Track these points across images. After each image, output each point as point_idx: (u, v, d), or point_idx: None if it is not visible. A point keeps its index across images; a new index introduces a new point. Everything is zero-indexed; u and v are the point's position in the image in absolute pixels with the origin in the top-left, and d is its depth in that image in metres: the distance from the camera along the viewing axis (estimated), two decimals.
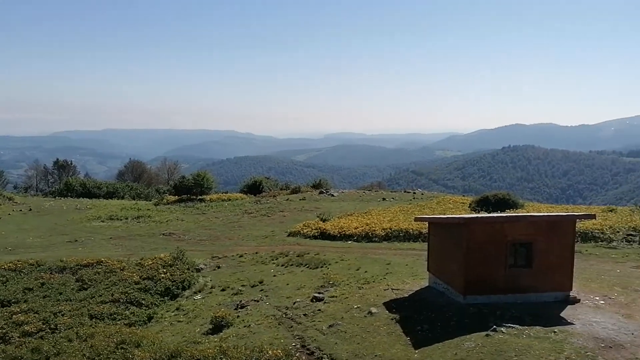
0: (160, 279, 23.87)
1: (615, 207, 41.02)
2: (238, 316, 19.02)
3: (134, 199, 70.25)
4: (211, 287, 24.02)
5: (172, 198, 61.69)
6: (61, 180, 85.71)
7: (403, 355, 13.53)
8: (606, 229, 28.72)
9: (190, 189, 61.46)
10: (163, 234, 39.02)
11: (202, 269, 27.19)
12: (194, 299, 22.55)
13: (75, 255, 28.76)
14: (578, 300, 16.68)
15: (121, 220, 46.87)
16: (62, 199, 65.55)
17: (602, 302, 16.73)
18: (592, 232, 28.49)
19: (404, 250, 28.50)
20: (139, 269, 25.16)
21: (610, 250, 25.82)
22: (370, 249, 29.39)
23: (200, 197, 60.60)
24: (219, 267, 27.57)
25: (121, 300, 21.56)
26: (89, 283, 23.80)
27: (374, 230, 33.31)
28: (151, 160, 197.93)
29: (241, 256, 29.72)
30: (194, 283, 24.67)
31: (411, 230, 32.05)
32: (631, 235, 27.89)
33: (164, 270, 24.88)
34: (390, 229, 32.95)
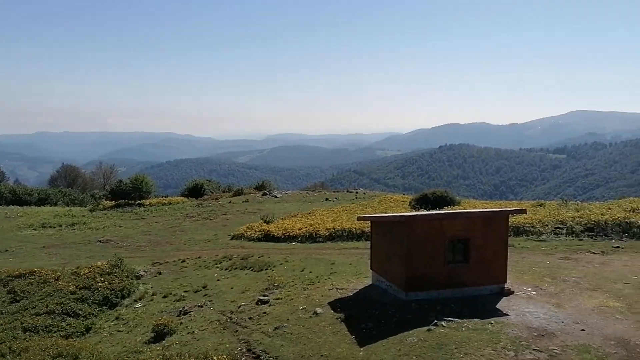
0: (97, 288, 23.05)
1: (544, 202, 43.23)
2: (181, 323, 18.64)
3: (68, 206, 67.11)
4: (152, 295, 23.42)
5: (109, 203, 59.45)
6: None
7: (349, 354, 13.71)
8: (536, 223, 30.19)
9: (128, 194, 59.42)
10: (100, 241, 37.57)
11: (142, 275, 26.42)
12: (135, 307, 21.92)
13: (6, 266, 27.25)
14: (512, 292, 17.51)
15: (54, 227, 44.74)
16: None
17: (534, 292, 17.64)
18: (523, 226, 29.86)
19: (348, 250, 28.83)
20: (75, 279, 24.13)
21: (541, 243, 27.21)
22: (314, 250, 29.53)
23: (139, 201, 58.73)
24: (160, 274, 26.88)
25: (57, 312, 20.68)
26: (22, 295, 22.68)
27: (318, 230, 33.49)
28: (85, 165, 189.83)
29: (183, 261, 29.11)
30: (134, 291, 23.97)
31: (354, 230, 32.44)
32: (559, 228, 29.48)
33: (102, 279, 24.01)
34: (334, 229, 33.23)
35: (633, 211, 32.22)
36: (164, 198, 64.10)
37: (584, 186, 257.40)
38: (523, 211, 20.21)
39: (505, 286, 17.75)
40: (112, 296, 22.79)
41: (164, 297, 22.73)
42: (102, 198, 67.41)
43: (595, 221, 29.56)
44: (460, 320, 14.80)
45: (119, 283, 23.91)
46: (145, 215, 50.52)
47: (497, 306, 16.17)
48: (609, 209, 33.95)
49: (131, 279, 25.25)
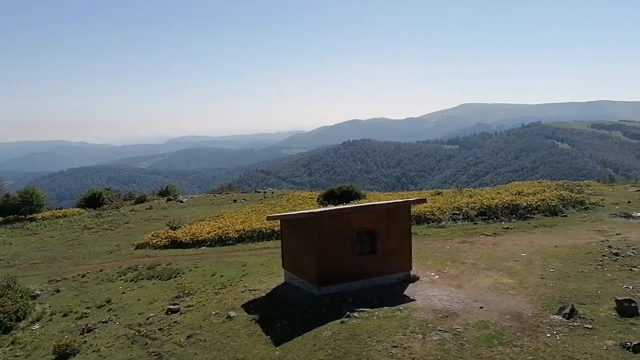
0: None
1: (441, 190, 45.85)
2: (85, 341, 17.52)
3: None
4: (51, 314, 21.73)
5: None
6: None
7: (265, 354, 13.67)
8: (435, 211, 31.94)
9: (17, 208, 54.76)
10: None
11: (38, 295, 24.47)
12: (32, 329, 20.21)
13: None
14: (417, 278, 18.40)
15: None
16: None
17: (437, 277, 18.67)
18: (424, 215, 31.45)
19: (259, 250, 28.69)
20: None
21: (440, 229, 28.83)
22: (225, 253, 29.06)
23: (30, 216, 54.35)
24: (58, 291, 25.05)
25: None
26: None
27: (228, 233, 32.97)
28: None
29: (83, 276, 27.34)
30: (30, 312, 22.04)
31: (264, 230, 32.33)
32: (456, 214, 31.42)
33: None
34: (244, 230, 32.89)
35: (518, 194, 35.17)
36: (59, 210, 59.85)
37: (475, 173, 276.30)
38: (423, 200, 21.31)
39: (411, 273, 18.60)
40: (6, 320, 20.80)
41: (64, 315, 21.22)
42: None
43: (487, 205, 31.87)
44: (371, 310, 15.28)
45: (12, 305, 21.85)
46: (38, 230, 46.85)
47: (405, 293, 16.92)
48: (498, 193, 36.78)
49: (26, 299, 23.23)
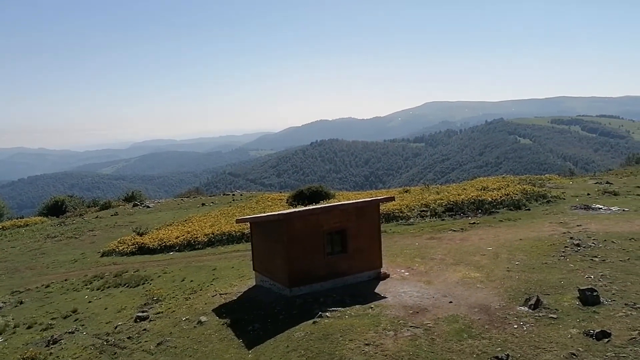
0: None
1: (409, 188, 46.43)
2: (51, 353, 16.98)
3: None
4: (14, 327, 20.95)
5: None
6: None
7: (237, 358, 13.56)
8: (404, 208, 32.30)
9: None
10: None
11: (0, 307, 23.61)
12: None
13: None
14: (388, 276, 18.56)
15: None
16: None
17: (407, 273, 18.87)
18: (393, 212, 31.77)
19: (229, 253, 28.43)
20: None
21: (409, 227, 29.16)
22: (194, 257, 28.69)
23: None
24: (21, 303, 24.22)
25: None
26: None
27: (197, 237, 32.58)
28: None
29: (47, 286, 26.54)
30: None
31: (234, 232, 32.06)
32: (424, 211, 31.85)
33: None
34: (213, 234, 32.55)
35: (483, 190, 35.91)
36: (20, 220, 58.03)
37: (441, 170, 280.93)
38: (391, 199, 21.52)
39: (382, 270, 18.76)
40: None
41: (29, 327, 20.52)
42: None
43: (453, 202, 32.41)
44: (343, 309, 15.34)
45: None
46: None
47: (376, 290, 17.04)
48: (464, 189, 37.48)
49: None
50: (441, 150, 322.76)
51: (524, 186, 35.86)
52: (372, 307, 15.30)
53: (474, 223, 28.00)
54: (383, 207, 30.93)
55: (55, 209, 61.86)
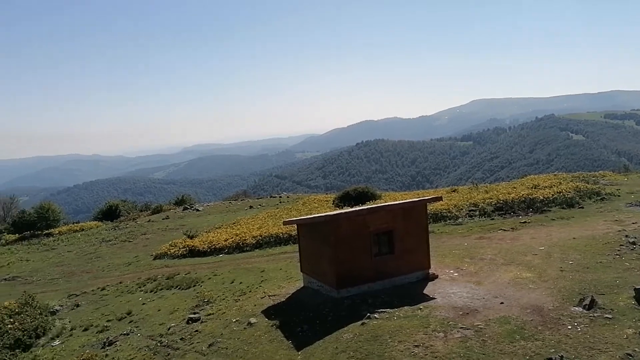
0: (7, 331, 20.86)
1: (457, 188, 45.56)
2: (107, 355, 17.60)
3: None
4: (71, 329, 21.83)
5: (12, 237, 55.23)
6: None
7: (287, 359, 13.64)
8: (452, 208, 31.71)
9: (33, 224, 55.53)
10: (5, 279, 34.72)
11: (57, 310, 24.61)
12: (52, 346, 20.28)
13: None
14: (436, 276, 18.25)
15: None
16: None
17: (456, 274, 18.50)
18: (441, 212, 31.26)
19: (277, 255, 28.70)
20: None
21: (457, 227, 28.60)
22: (243, 259, 29.13)
23: (46, 231, 55.11)
24: (78, 306, 25.23)
25: None
26: None
27: (245, 239, 33.06)
28: None
29: (103, 289, 27.57)
30: (50, 328, 22.07)
31: (281, 234, 32.36)
32: (472, 210, 31.16)
33: (11, 320, 21.73)
34: (261, 236, 32.95)
35: (534, 188, 34.81)
36: (76, 224, 60.64)
37: (490, 169, 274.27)
38: (439, 199, 21.16)
39: (430, 271, 18.47)
40: (25, 337, 20.81)
41: (85, 330, 21.35)
42: (4, 232, 62.40)
43: (503, 200, 31.56)
44: (391, 310, 15.19)
45: (31, 322, 21.86)
46: (56, 245, 47.45)
47: (424, 291, 16.79)
48: (514, 188, 36.44)
49: (45, 315, 23.29)
50: (490, 149, 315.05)
51: (577, 183, 34.60)
52: (420, 309, 15.08)
53: (525, 222, 27.17)
54: (430, 207, 30.46)
55: (110, 214, 64.23)
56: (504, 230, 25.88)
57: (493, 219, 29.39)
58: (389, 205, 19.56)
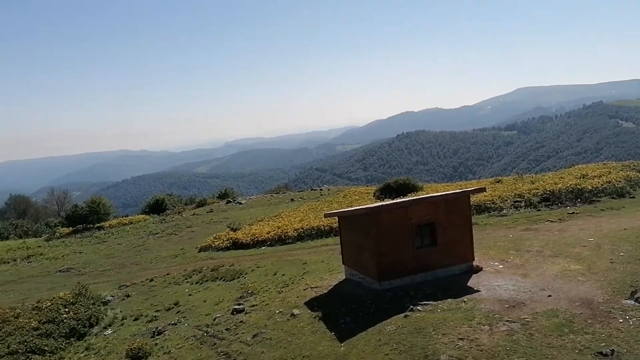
0: (62, 320, 21.85)
1: (501, 178, 44.49)
2: (156, 344, 18.17)
3: (21, 238, 64.43)
4: (122, 319, 22.68)
5: (66, 230, 57.63)
6: None
7: (330, 351, 13.74)
8: (496, 199, 31.04)
9: (85, 218, 57.71)
10: (60, 271, 36.30)
11: (109, 301, 25.60)
12: (105, 335, 21.12)
13: None
14: (481, 269, 17.95)
15: (8, 263, 42.74)
16: None
17: (501, 266, 18.13)
18: (484, 204, 30.65)
19: (318, 248, 28.88)
20: (37, 313, 22.74)
21: (502, 218, 27.98)
22: (285, 252, 29.45)
23: (98, 224, 57.21)
24: (128, 296, 26.17)
25: (20, 351, 19.41)
26: None
27: (287, 232, 33.41)
28: (35, 193, 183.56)
29: (151, 280, 28.47)
30: (102, 317, 22.98)
31: (322, 227, 32.52)
32: (517, 201, 30.41)
33: (66, 310, 22.79)
34: (302, 229, 33.22)
35: (583, 177, 33.66)
36: (125, 218, 62.69)
37: (536, 159, 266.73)
38: (482, 190, 20.76)
39: (474, 263, 18.18)
40: (79, 326, 21.71)
41: (135, 319, 22.12)
42: (58, 225, 65.25)
43: (550, 191, 30.66)
44: (434, 303, 15.06)
45: (85, 312, 22.83)
46: (107, 238, 49.22)
47: (468, 284, 16.55)
48: (561, 177, 35.34)
49: (98, 305, 24.27)
50: (535, 138, 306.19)
51: (628, 172, 33.20)
52: (465, 301, 14.88)
53: (572, 213, 26.33)
54: (474, 199, 29.93)
55: (156, 207, 66.07)
56: (551, 221, 25.15)
57: (539, 210, 28.61)
58: (430, 196, 19.35)
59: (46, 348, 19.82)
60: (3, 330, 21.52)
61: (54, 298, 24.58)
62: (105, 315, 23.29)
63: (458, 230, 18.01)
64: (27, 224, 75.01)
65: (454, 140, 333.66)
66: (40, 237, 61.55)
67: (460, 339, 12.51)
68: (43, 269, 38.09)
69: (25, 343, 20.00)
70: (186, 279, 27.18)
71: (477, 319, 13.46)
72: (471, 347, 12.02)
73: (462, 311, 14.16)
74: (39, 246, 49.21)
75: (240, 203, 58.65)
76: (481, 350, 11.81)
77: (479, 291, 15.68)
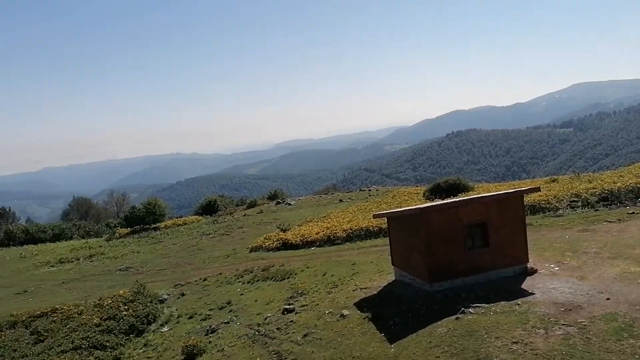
0: (122, 317, 22.92)
1: (556, 177, 42.99)
2: (210, 342, 18.71)
3: (84, 238, 67.69)
4: (178, 317, 23.47)
5: (125, 231, 60.02)
6: (0, 229, 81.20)
7: (380, 352, 13.75)
8: (551, 199, 30.02)
9: (142, 219, 59.98)
10: (120, 270, 37.88)
11: (165, 299, 26.54)
12: (162, 332, 21.93)
13: (26, 307, 27.22)
14: (535, 271, 17.44)
15: (72, 262, 45.04)
16: (4, 249, 62.05)
17: (557, 268, 17.56)
18: (539, 204, 29.71)
19: (367, 248, 28.86)
20: (99, 310, 23.99)
21: (558, 219, 27.04)
22: (334, 252, 29.60)
23: (154, 225, 59.29)
24: (183, 295, 27.03)
25: (83, 346, 20.43)
26: (46, 334, 22.36)
27: (335, 232, 33.56)
28: (96, 195, 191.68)
29: (205, 280, 29.27)
30: (159, 315, 23.90)
31: (371, 228, 32.46)
32: (574, 201, 29.30)
33: (126, 307, 23.91)
34: (351, 229, 33.27)
35: None
36: (179, 219, 64.63)
37: (593, 157, 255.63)
38: (537, 189, 20.18)
39: (528, 265, 17.69)
40: (138, 323, 22.65)
41: (190, 317, 22.82)
42: (117, 226, 68.13)
43: (608, 190, 29.35)
44: (487, 305, 14.78)
45: (143, 309, 23.82)
46: (162, 238, 50.91)
47: (522, 286, 16.13)
48: (621, 176, 33.73)
49: (155, 303, 25.22)
50: (592, 135, 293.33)
51: None
52: (518, 304, 14.52)
53: (633, 213, 25.10)
54: (528, 199, 29.07)
55: (209, 208, 67.79)
56: (610, 221, 24.10)
57: (597, 210, 27.46)
58: (482, 196, 18.98)
59: (107, 344, 20.74)
60: (68, 326, 22.76)
61: (114, 296, 25.75)
62: (162, 313, 24.14)
63: (511, 231, 17.59)
64: (89, 224, 78.77)
65: (506, 139, 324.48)
66: (101, 237, 64.38)
67: (514, 342, 12.24)
68: (104, 268, 39.88)
69: (88, 339, 21.03)
70: (238, 278, 27.78)
71: (531, 323, 13.12)
72: (525, 351, 11.75)
73: (516, 314, 13.84)
74: (100, 246, 51.54)
75: (290, 204, 59.30)
76: (536, 355, 11.52)
77: (533, 294, 15.26)
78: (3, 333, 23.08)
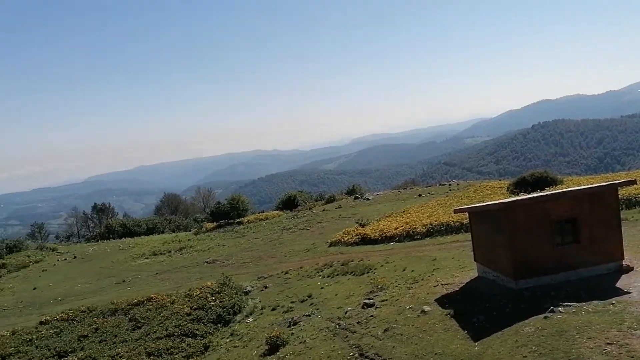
0: (210, 307, 24.08)
1: None
2: (292, 333, 19.15)
3: (174, 232, 71.77)
4: (261, 308, 24.25)
5: (211, 225, 62.73)
6: (101, 223, 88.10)
7: (464, 349, 13.47)
8: None
9: (227, 214, 62.42)
10: (207, 262, 39.69)
11: (249, 291, 27.51)
12: (247, 322, 22.75)
13: (125, 296, 29.44)
14: (632, 268, 16.32)
15: (164, 254, 47.93)
16: (105, 241, 67.43)
17: None
18: (635, 198, 27.76)
19: (448, 244, 28.29)
20: (189, 300, 25.42)
21: None
22: (413, 248, 29.28)
23: (237, 220, 61.47)
24: (266, 287, 27.86)
25: (176, 334, 21.63)
26: (142, 321, 23.95)
27: (415, 228, 33.16)
28: (185, 191, 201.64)
29: (286, 273, 29.98)
30: (244, 306, 24.86)
31: (452, 223, 31.76)
32: None
33: (213, 298, 25.13)
34: (431, 225, 32.73)
35: None
36: (261, 214, 66.57)
37: None
38: (633, 182, 18.83)
39: (623, 263, 16.59)
40: (225, 314, 23.65)
41: (273, 309, 23.49)
42: (204, 221, 71.39)
43: None
44: (578, 304, 14.03)
45: (229, 300, 24.85)
46: (245, 232, 52.67)
47: (617, 285, 15.15)
48: None
49: (240, 295, 26.24)
50: None
51: None
52: (613, 303, 13.66)
53: None
54: (623, 192, 27.20)
55: (289, 204, 69.26)
56: None
57: None
58: (571, 190, 18.00)
59: (197, 332, 21.88)
60: (162, 314, 24.26)
61: (202, 287, 27.13)
62: (247, 305, 25.08)
63: (604, 226, 16.56)
64: (178, 219, 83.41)
65: (598, 129, 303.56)
66: (190, 231, 67.79)
67: (608, 343, 11.55)
68: (192, 260, 42.00)
69: (180, 327, 22.29)
70: (318, 272, 28.20)
71: (627, 323, 12.31)
72: (620, 353, 11.05)
73: (610, 314, 13.04)
74: (188, 239, 54.35)
75: (368, 199, 59.22)
76: (632, 357, 10.81)
77: (629, 293, 14.29)
78: (105, 319, 25.05)
